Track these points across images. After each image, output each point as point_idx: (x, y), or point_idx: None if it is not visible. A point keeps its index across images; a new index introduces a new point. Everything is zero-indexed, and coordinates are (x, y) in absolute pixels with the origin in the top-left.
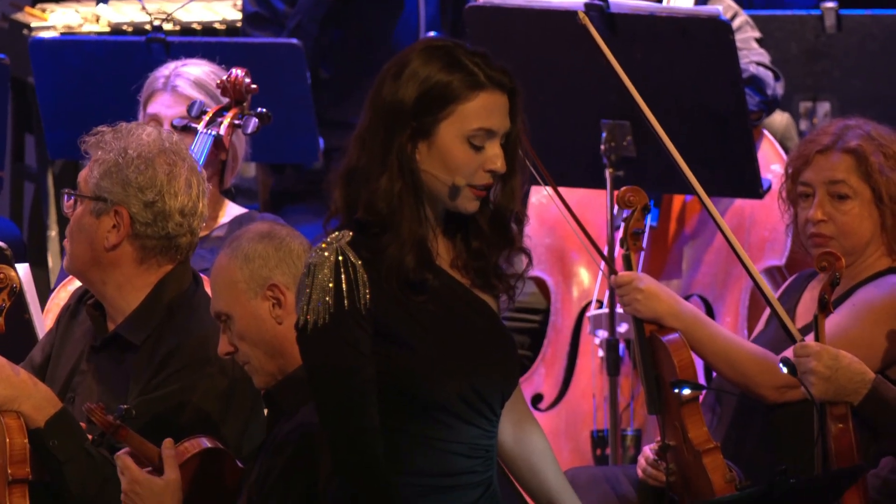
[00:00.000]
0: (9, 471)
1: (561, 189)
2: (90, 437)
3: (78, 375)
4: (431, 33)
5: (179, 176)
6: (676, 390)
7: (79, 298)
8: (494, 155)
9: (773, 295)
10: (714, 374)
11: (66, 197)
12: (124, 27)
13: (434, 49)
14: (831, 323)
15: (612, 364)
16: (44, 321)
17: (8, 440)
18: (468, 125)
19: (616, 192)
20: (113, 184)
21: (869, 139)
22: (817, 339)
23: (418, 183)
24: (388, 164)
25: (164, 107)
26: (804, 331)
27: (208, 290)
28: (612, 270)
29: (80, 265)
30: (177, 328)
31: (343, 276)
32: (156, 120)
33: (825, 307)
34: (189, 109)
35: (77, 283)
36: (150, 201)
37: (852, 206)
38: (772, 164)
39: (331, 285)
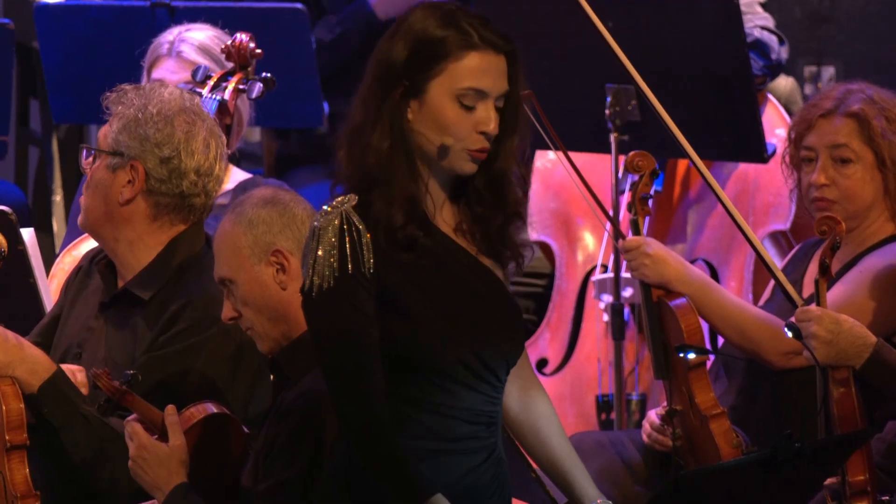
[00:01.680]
0: (6, 437)
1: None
2: (97, 403)
3: (86, 332)
4: None
5: (197, 135)
6: (682, 355)
7: (91, 259)
8: (486, 117)
9: (773, 261)
10: (721, 339)
11: (84, 153)
12: None
13: (432, 8)
14: (838, 290)
15: (617, 328)
16: (48, 286)
17: (4, 407)
18: (458, 84)
19: (624, 157)
20: (130, 138)
21: (871, 103)
22: (818, 303)
23: (409, 142)
24: (380, 121)
25: (168, 72)
26: (812, 300)
27: None
28: (618, 235)
29: (93, 220)
30: (186, 288)
31: (347, 240)
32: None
33: (826, 271)
34: (193, 74)
35: (84, 248)
36: (167, 157)
37: (855, 170)
38: (776, 128)
39: (335, 249)
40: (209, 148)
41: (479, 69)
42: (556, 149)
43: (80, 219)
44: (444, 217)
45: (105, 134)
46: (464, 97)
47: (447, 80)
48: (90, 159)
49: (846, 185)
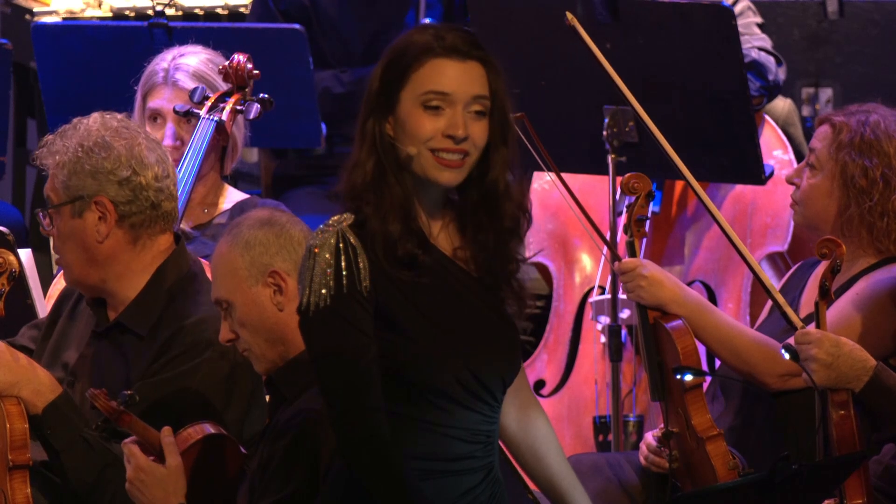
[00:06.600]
0: (9, 457)
1: (563, 175)
2: (95, 423)
3: (79, 360)
4: (427, 20)
5: (140, 145)
6: (679, 376)
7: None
8: (454, 122)
9: (770, 283)
10: (717, 361)
11: (41, 216)
12: (126, 12)
13: (415, 30)
14: (834, 311)
15: (615, 350)
16: (46, 306)
17: (8, 426)
18: (420, 89)
19: (620, 179)
20: (83, 178)
21: (862, 122)
22: (818, 326)
23: (394, 156)
24: (364, 140)
25: (165, 101)
26: (808, 320)
27: (209, 275)
28: (615, 257)
29: (77, 271)
30: (177, 313)
31: (344, 259)
32: (159, 115)
33: (826, 294)
34: (191, 95)
35: None
36: (125, 178)
37: (815, 176)
38: (774, 150)
39: (332, 268)
40: (154, 152)
41: (438, 73)
42: (549, 169)
43: (65, 277)
44: (443, 240)
45: (53, 188)
46: (428, 101)
47: (411, 88)
48: (48, 220)
49: (803, 189)
